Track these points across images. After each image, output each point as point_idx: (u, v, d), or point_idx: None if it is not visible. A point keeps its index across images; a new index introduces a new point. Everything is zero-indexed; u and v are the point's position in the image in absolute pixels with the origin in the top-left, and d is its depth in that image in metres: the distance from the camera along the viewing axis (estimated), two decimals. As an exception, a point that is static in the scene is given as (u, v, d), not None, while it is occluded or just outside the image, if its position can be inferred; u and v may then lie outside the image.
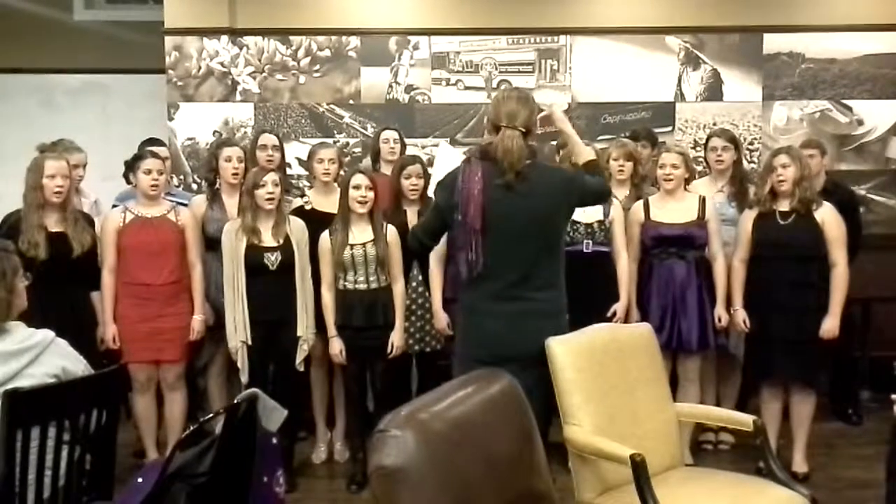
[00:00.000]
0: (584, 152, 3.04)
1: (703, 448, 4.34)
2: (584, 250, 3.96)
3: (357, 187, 3.85)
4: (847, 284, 3.88)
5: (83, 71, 6.39)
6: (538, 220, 2.87)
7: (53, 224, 3.74)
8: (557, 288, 2.96)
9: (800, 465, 4.01)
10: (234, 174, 4.15)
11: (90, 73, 6.40)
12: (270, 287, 3.85)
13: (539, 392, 2.67)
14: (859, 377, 5.00)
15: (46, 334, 2.52)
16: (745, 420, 2.98)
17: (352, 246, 3.85)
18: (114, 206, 4.25)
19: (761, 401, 4.06)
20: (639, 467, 2.48)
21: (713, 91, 5.78)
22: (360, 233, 3.88)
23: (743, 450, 4.18)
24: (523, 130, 2.88)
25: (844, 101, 5.75)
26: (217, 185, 4.24)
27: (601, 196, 3.10)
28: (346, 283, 3.89)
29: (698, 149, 5.28)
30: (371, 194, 3.86)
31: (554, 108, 3.17)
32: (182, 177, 5.67)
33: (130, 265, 3.89)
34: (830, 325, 3.85)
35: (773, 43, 5.75)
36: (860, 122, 5.76)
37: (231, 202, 4.16)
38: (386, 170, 4.63)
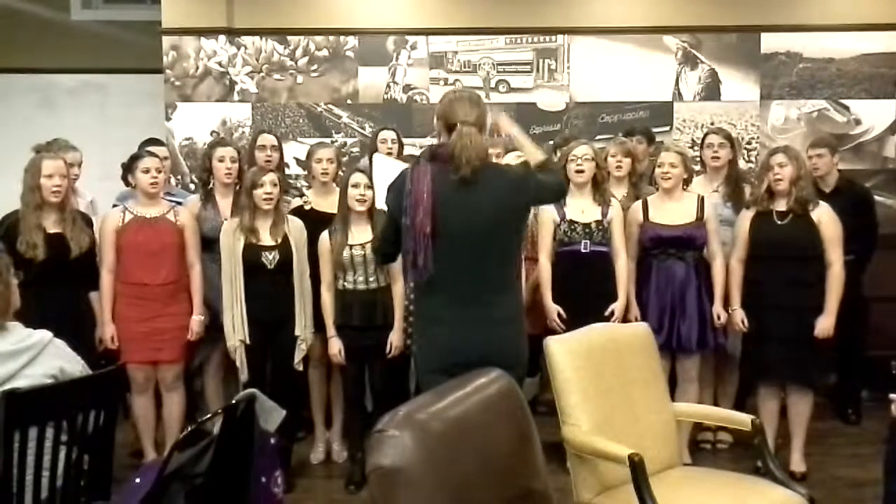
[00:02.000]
0: (535, 154, 3.01)
1: (702, 447, 4.34)
2: (582, 250, 3.96)
3: (356, 186, 3.85)
4: (843, 284, 3.88)
5: (81, 71, 6.38)
6: (490, 223, 2.77)
7: (52, 225, 3.73)
8: (513, 292, 2.89)
9: (798, 464, 4.01)
10: (227, 174, 4.16)
11: (88, 73, 6.39)
12: (269, 286, 3.85)
13: None
14: (858, 376, 5.00)
15: (44, 335, 2.52)
16: (744, 419, 2.99)
17: (351, 246, 3.84)
18: (114, 206, 4.24)
19: (759, 400, 4.06)
20: (637, 467, 2.48)
21: (711, 91, 5.79)
22: (360, 233, 3.87)
23: (741, 449, 4.18)
24: (479, 127, 2.81)
25: (842, 101, 5.76)
26: (211, 186, 4.25)
27: (557, 193, 3.06)
28: (346, 283, 3.89)
29: (696, 148, 5.28)
30: (370, 193, 3.85)
31: (498, 117, 3.13)
32: (179, 177, 5.67)
33: (129, 265, 3.88)
34: (825, 325, 3.85)
35: (770, 42, 5.76)
36: (857, 122, 5.78)
37: (225, 202, 4.16)
38: (384, 169, 4.63)
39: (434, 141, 5.59)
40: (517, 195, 2.82)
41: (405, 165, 3.74)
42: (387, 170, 3.76)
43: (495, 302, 2.80)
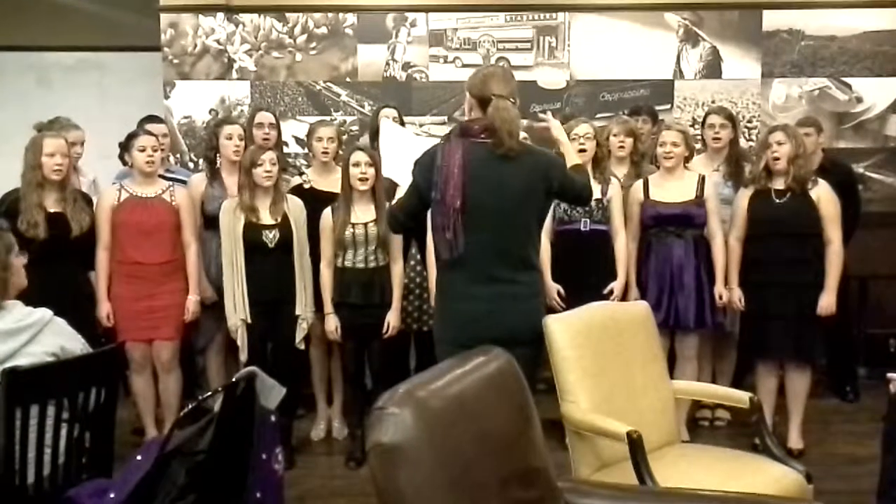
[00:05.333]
0: (573, 158, 3.08)
1: (700, 425, 4.36)
2: (582, 229, 3.96)
3: (357, 164, 3.84)
4: (842, 261, 3.89)
5: (78, 48, 6.33)
6: (519, 199, 2.81)
7: (52, 204, 3.72)
8: (534, 270, 2.92)
9: (795, 441, 4.03)
10: (235, 151, 4.14)
11: (85, 51, 6.35)
12: (269, 265, 3.86)
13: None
14: (856, 354, 5.02)
15: (45, 313, 2.53)
16: (741, 397, 3.00)
17: (353, 225, 3.84)
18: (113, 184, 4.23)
19: (757, 378, 4.07)
20: (635, 444, 2.50)
21: (712, 68, 5.75)
22: (363, 212, 3.87)
23: (739, 426, 4.20)
24: (513, 101, 2.84)
25: (844, 79, 5.72)
26: (217, 164, 4.23)
27: (582, 194, 3.00)
28: (345, 262, 3.89)
29: (696, 126, 5.26)
30: (371, 171, 3.84)
31: (551, 123, 3.16)
32: (178, 155, 5.65)
33: (124, 244, 3.88)
34: (827, 302, 3.86)
35: (772, 20, 5.71)
36: (859, 100, 5.74)
37: (231, 180, 4.14)
38: (384, 148, 4.61)
39: (435, 119, 5.61)
40: (545, 174, 2.85)
41: (410, 133, 3.74)
42: (393, 136, 3.84)
43: (517, 279, 2.84)
